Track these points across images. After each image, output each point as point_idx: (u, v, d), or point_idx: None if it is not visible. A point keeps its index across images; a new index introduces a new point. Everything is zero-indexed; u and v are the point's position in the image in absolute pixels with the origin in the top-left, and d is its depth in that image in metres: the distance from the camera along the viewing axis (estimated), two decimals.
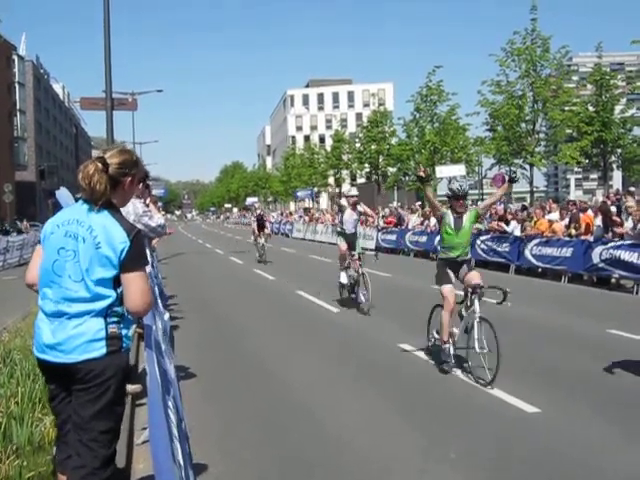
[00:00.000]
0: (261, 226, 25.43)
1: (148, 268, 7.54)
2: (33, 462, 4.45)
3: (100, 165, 3.36)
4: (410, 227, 28.37)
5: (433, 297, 14.84)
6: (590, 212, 18.35)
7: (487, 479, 4.85)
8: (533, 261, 18.61)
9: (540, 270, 18.69)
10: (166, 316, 7.50)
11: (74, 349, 3.28)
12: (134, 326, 6.07)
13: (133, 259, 3.33)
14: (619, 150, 31.98)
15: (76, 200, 3.51)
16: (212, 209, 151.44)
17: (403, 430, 5.97)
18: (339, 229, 13.42)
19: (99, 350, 3.29)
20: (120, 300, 3.37)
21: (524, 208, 23.95)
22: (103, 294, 3.32)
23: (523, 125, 28.84)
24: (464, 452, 5.33)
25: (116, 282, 3.35)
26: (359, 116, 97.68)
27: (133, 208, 6.73)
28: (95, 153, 4.08)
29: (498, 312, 12.46)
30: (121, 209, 3.56)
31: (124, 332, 3.43)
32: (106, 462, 3.34)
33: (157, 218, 7.47)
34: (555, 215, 19.31)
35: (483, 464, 5.09)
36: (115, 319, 3.37)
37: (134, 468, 4.96)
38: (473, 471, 4.97)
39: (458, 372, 7.81)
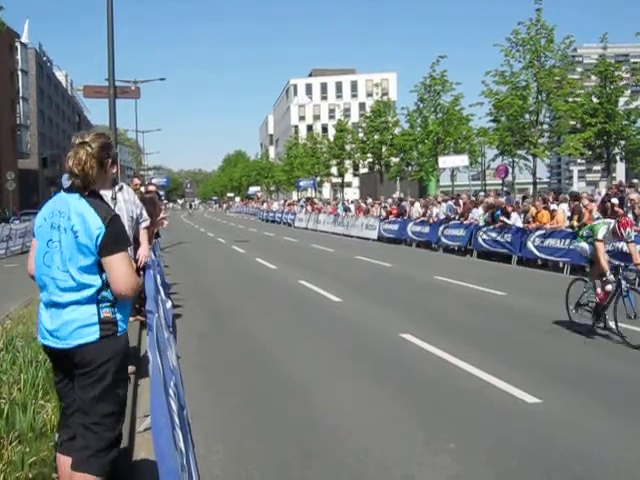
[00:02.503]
0: None
1: (150, 260, 7.62)
2: (35, 448, 4.48)
3: (90, 150, 3.41)
4: (412, 217, 28.35)
5: (434, 287, 14.93)
6: (585, 201, 18.34)
7: (487, 470, 4.85)
8: (535, 252, 18.60)
9: (542, 262, 18.69)
10: (168, 304, 7.53)
11: (69, 335, 3.35)
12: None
13: (110, 243, 3.35)
14: (623, 142, 31.93)
15: (64, 190, 3.54)
16: (214, 198, 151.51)
17: (402, 420, 5.98)
18: None
19: (92, 335, 3.35)
20: (107, 285, 3.41)
21: (525, 198, 23.92)
22: (88, 282, 3.36)
23: (527, 116, 28.78)
24: (464, 442, 5.34)
25: (101, 268, 3.39)
26: (362, 106, 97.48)
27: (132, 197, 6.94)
28: None
29: (499, 303, 12.50)
30: (122, 200, 3.61)
31: (119, 316, 3.46)
32: (110, 444, 3.40)
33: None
34: (564, 206, 19.24)
35: (483, 454, 5.10)
36: (108, 304, 3.41)
37: (136, 455, 4.99)
38: (473, 462, 4.98)
39: (459, 362, 7.81)
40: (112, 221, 3.40)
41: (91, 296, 3.37)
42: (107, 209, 3.49)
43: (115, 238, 3.39)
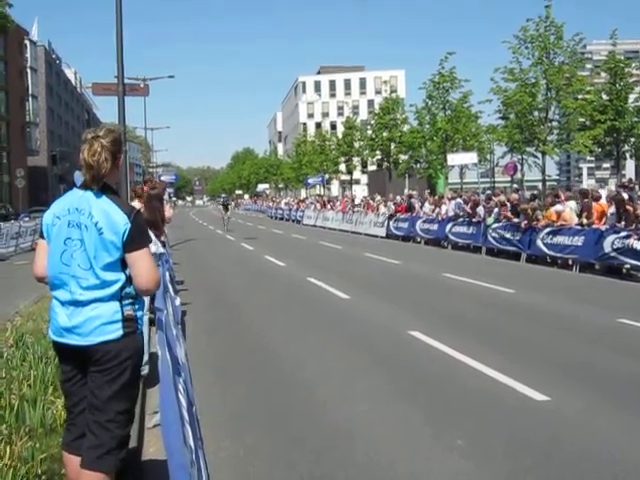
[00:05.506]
0: None
1: (153, 248, 7.62)
2: (45, 444, 4.50)
3: (104, 142, 3.42)
4: (421, 215, 28.29)
5: (443, 284, 14.91)
6: (603, 201, 18.08)
7: (495, 467, 4.85)
8: (544, 250, 18.51)
9: (551, 259, 18.61)
10: (177, 301, 7.56)
11: (91, 332, 3.34)
12: (146, 310, 6.12)
13: (135, 239, 3.39)
14: (632, 139, 31.80)
15: (78, 187, 3.53)
16: (223, 195, 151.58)
17: (410, 417, 5.98)
18: None
19: (116, 332, 3.36)
20: (130, 280, 3.42)
21: (533, 197, 23.77)
22: (112, 279, 3.37)
23: (536, 113, 28.63)
24: (472, 439, 5.33)
25: (124, 264, 3.41)
26: (371, 103, 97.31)
27: None
28: None
29: (508, 300, 12.47)
30: None
31: (139, 314, 3.49)
32: (122, 442, 3.42)
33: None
34: (572, 203, 19.00)
35: (491, 451, 5.09)
36: (130, 301, 3.43)
37: (145, 451, 5.01)
38: (481, 459, 4.97)
39: (467, 359, 7.80)
40: (136, 216, 3.43)
41: (114, 293, 3.38)
42: (129, 205, 3.56)
43: (139, 234, 3.43)
